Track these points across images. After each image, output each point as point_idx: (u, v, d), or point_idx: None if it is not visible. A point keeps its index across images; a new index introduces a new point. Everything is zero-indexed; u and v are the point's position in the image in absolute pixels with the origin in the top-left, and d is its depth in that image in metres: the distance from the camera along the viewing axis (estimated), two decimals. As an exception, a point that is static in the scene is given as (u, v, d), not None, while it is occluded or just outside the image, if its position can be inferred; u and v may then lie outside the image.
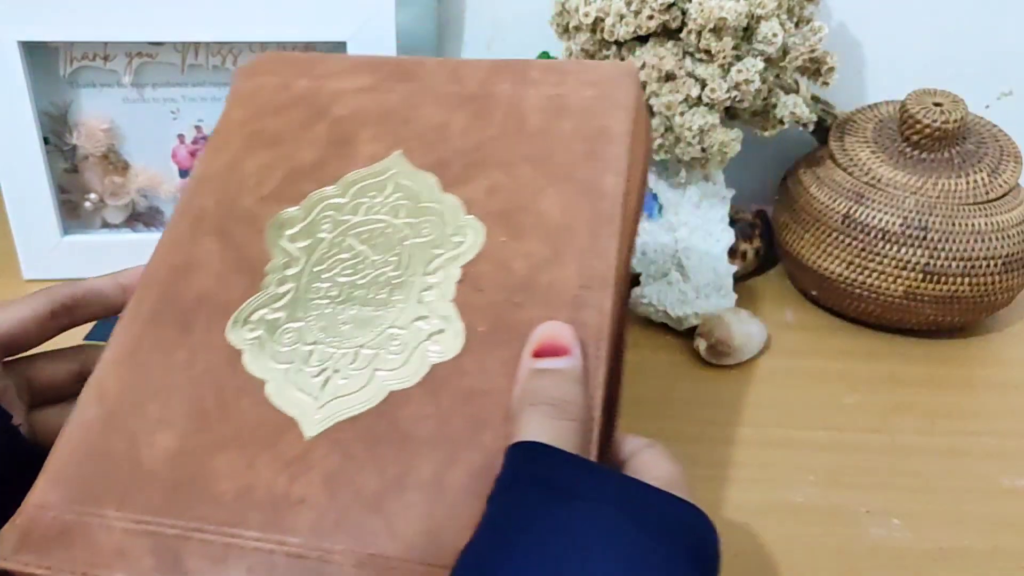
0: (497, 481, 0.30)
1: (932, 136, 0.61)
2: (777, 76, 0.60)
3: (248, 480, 0.33)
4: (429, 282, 0.37)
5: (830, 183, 0.63)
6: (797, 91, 0.61)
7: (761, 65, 0.57)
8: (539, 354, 0.33)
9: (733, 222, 0.66)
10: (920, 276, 0.60)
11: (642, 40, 0.60)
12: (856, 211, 0.61)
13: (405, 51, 0.66)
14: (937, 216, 0.60)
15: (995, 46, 0.72)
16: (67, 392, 0.40)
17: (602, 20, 0.59)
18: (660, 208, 0.66)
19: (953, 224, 0.60)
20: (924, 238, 0.60)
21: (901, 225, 0.60)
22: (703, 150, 0.60)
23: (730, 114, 0.62)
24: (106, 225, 0.68)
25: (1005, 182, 0.61)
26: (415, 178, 0.40)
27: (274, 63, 0.47)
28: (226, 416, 0.35)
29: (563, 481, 0.29)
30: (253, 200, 0.41)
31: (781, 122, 0.61)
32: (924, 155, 0.62)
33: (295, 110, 0.44)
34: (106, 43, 0.62)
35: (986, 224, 0.60)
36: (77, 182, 0.67)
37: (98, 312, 0.41)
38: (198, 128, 0.66)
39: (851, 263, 0.62)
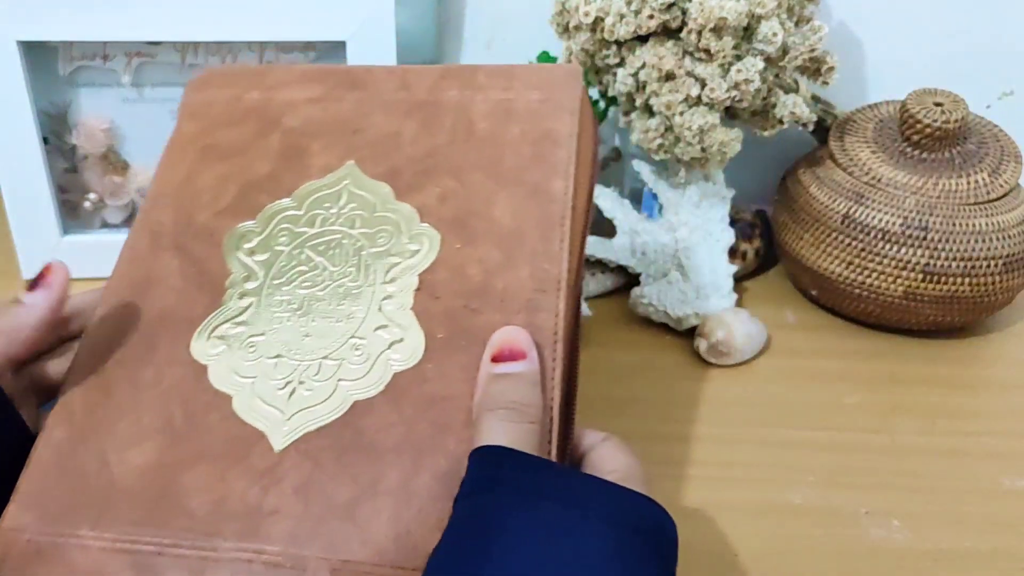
0: (463, 485, 0.31)
1: (933, 136, 0.61)
2: (777, 76, 0.60)
3: (221, 492, 0.33)
4: (388, 291, 0.37)
5: (830, 183, 0.63)
6: (797, 91, 0.61)
7: (761, 65, 0.57)
8: (497, 359, 0.34)
9: (733, 222, 0.66)
10: (920, 276, 0.60)
11: (642, 40, 0.60)
12: (856, 211, 0.61)
13: (405, 51, 0.66)
14: (937, 216, 0.60)
15: (996, 46, 0.72)
16: None
17: (602, 20, 0.58)
18: (660, 208, 0.66)
19: (953, 224, 0.59)
20: (924, 238, 0.60)
21: (901, 225, 0.60)
22: (703, 150, 0.60)
23: (730, 114, 0.62)
24: (106, 225, 0.68)
25: (1006, 182, 0.61)
26: (369, 188, 0.41)
27: (224, 76, 0.47)
28: (195, 431, 0.35)
29: (526, 483, 0.30)
30: (209, 215, 0.41)
31: (781, 122, 0.61)
32: (924, 155, 0.62)
33: (247, 122, 0.44)
34: (105, 43, 0.62)
35: (986, 224, 0.60)
36: (77, 182, 0.67)
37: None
38: (198, 128, 0.66)
39: (851, 263, 0.62)
